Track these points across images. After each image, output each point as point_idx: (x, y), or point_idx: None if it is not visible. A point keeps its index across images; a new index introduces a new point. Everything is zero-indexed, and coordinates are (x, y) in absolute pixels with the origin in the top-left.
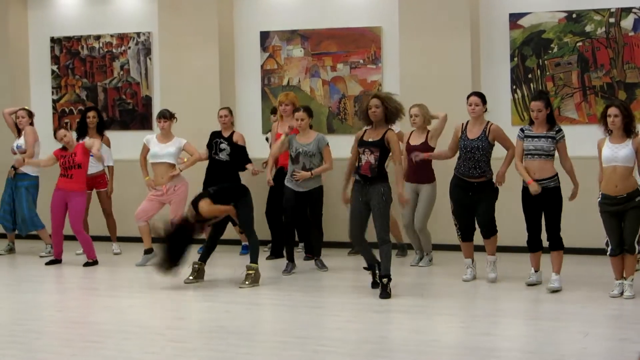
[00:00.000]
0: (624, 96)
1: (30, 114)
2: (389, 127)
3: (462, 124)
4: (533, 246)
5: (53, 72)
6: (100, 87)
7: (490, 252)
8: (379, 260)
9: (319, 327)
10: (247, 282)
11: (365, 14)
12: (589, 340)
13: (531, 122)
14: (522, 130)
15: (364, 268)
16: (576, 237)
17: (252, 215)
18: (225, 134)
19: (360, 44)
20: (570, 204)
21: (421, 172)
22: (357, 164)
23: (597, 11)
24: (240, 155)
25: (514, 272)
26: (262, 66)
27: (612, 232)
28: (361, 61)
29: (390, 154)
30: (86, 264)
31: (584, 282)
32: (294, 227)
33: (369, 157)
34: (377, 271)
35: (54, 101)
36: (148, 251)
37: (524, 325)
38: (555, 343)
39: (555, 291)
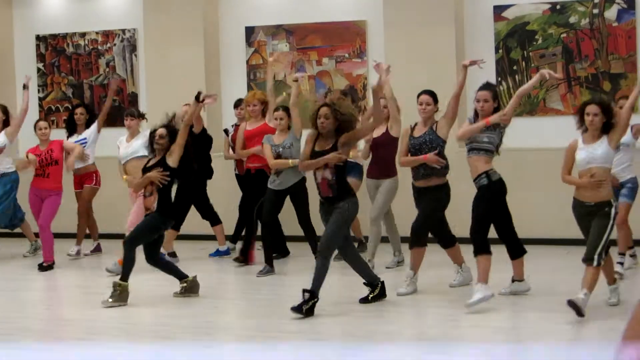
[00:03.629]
0: (608, 87)
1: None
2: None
3: (410, 125)
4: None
5: (39, 70)
6: (87, 84)
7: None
8: (377, 278)
9: (307, 322)
10: (110, 300)
11: (350, 8)
12: None
13: (476, 114)
14: (469, 119)
15: (364, 284)
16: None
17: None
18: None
19: (345, 37)
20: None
21: (382, 167)
22: (315, 182)
23: (581, 2)
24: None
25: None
26: (247, 61)
27: (585, 237)
28: (346, 55)
29: (354, 149)
30: (41, 267)
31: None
32: (269, 229)
33: (324, 173)
34: (375, 289)
35: (40, 99)
36: None
37: None
38: None
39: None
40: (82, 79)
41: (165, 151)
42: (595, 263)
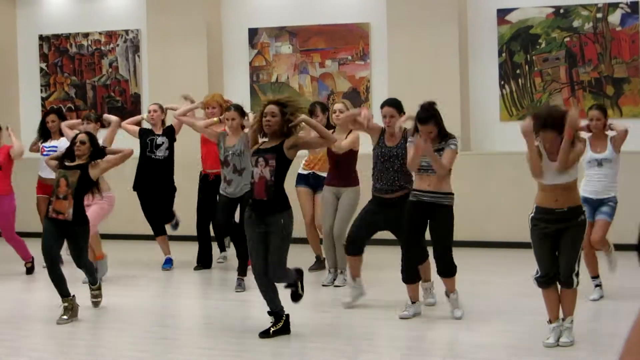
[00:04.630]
0: (612, 91)
1: None
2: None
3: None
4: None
5: (42, 70)
6: (89, 84)
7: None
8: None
9: (309, 325)
10: (64, 317)
11: (353, 10)
12: None
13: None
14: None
15: (268, 313)
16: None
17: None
18: (157, 131)
19: (349, 40)
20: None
21: (343, 175)
22: (250, 181)
23: (584, 6)
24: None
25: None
26: (250, 63)
27: (542, 255)
28: (349, 57)
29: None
30: (28, 270)
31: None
32: (222, 237)
33: (263, 171)
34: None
35: (42, 99)
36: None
37: None
38: None
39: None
40: (85, 79)
41: (86, 158)
42: (575, 285)
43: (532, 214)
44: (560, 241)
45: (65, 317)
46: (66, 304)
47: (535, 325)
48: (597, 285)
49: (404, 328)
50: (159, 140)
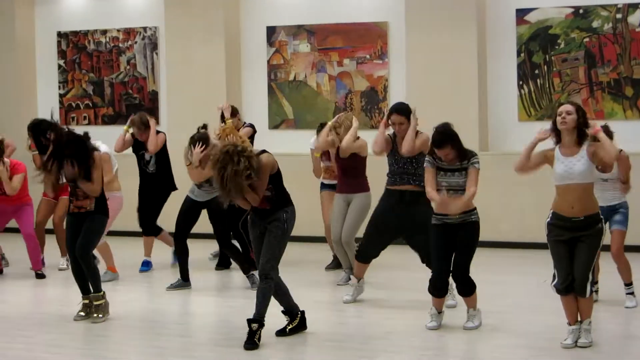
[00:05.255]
0: (631, 92)
1: None
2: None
3: (390, 136)
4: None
5: (60, 66)
6: (107, 81)
7: None
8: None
9: (324, 322)
10: (81, 314)
11: (371, 9)
12: None
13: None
14: (434, 159)
15: (283, 312)
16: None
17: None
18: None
19: (367, 39)
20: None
21: (351, 182)
22: None
23: (604, 7)
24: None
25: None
26: (268, 61)
27: (559, 262)
28: (367, 56)
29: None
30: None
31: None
32: (182, 242)
33: None
34: (293, 319)
35: (60, 96)
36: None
37: None
38: None
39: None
40: (103, 76)
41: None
42: (588, 294)
43: (548, 219)
44: (575, 250)
45: (82, 313)
46: (86, 301)
47: (554, 326)
48: (629, 293)
49: (422, 328)
50: (147, 156)
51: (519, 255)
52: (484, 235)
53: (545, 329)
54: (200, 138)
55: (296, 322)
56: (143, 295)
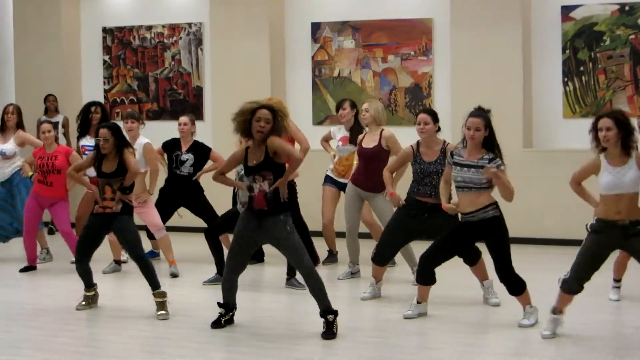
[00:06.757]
0: None
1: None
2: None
3: (413, 147)
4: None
5: (105, 62)
6: (152, 77)
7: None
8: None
9: (365, 319)
10: (83, 303)
11: (416, 6)
12: None
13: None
14: (451, 154)
15: (218, 304)
16: None
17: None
18: (185, 146)
19: (411, 35)
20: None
21: (370, 177)
22: (248, 195)
23: None
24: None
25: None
26: (312, 57)
27: (587, 263)
28: (412, 53)
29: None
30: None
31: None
32: (215, 238)
33: (261, 185)
34: (228, 313)
35: (105, 91)
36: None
37: None
38: None
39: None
40: (148, 72)
41: (116, 153)
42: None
43: (592, 223)
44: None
45: (84, 303)
46: (89, 294)
47: (600, 323)
48: (616, 287)
49: (463, 325)
50: (184, 157)
51: (563, 252)
52: (528, 232)
53: (593, 326)
54: None
55: (229, 316)
56: (189, 291)
